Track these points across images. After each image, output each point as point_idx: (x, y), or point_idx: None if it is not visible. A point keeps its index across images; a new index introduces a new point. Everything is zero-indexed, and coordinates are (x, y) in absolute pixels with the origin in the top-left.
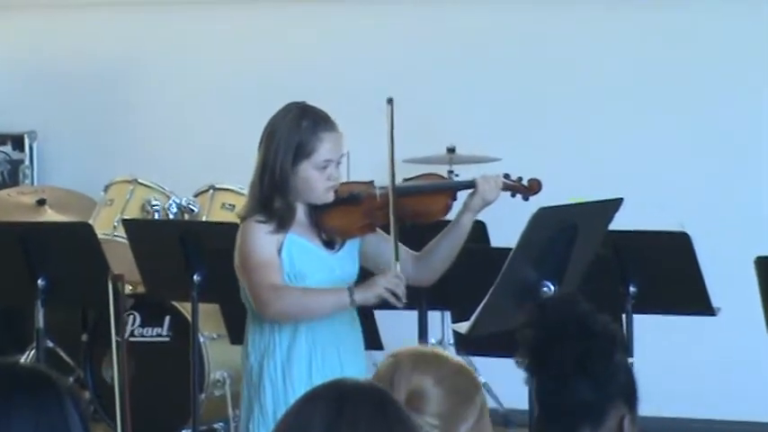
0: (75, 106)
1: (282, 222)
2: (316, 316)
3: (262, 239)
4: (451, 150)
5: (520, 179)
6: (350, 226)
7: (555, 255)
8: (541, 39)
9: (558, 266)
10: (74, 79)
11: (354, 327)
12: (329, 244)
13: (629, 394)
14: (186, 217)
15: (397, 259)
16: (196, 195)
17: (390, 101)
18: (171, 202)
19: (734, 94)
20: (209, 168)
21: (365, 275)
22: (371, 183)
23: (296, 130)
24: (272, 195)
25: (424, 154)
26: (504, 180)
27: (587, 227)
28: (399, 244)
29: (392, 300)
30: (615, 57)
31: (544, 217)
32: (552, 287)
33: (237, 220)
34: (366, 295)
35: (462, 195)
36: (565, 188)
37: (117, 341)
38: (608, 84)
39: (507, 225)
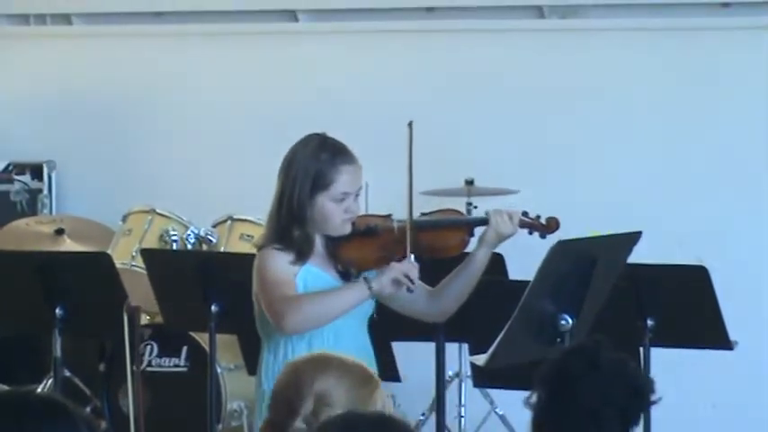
0: (93, 136)
1: (301, 253)
2: (336, 313)
3: (279, 263)
4: (470, 183)
5: (538, 217)
6: (366, 258)
7: (573, 287)
8: (562, 70)
9: (575, 299)
10: (93, 109)
11: (366, 353)
12: (345, 275)
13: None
14: (204, 247)
15: (411, 250)
16: (214, 226)
17: (411, 124)
18: (189, 232)
19: (751, 127)
20: (227, 199)
21: (381, 311)
22: (389, 216)
23: (314, 161)
24: (290, 225)
25: (442, 186)
26: (523, 217)
27: (606, 260)
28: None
29: (405, 281)
30: (635, 89)
31: (563, 250)
32: (570, 320)
33: (255, 251)
34: (382, 281)
35: (480, 231)
36: (583, 221)
37: (132, 372)
38: (628, 117)
39: (525, 258)
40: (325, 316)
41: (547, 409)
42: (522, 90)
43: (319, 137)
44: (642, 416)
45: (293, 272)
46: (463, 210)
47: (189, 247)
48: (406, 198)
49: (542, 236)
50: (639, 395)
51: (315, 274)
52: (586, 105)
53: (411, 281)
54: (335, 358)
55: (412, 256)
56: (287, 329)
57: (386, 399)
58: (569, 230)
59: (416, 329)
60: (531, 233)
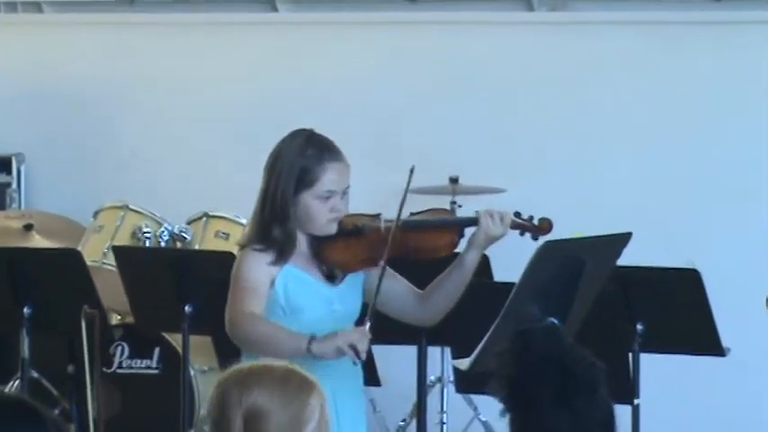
0: (64, 129)
1: (281, 253)
2: (271, 354)
3: (255, 267)
4: (454, 181)
5: (531, 218)
6: (351, 260)
7: (560, 291)
8: (549, 67)
9: (562, 303)
10: (64, 101)
11: (353, 367)
12: (330, 277)
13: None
14: (178, 245)
15: (370, 315)
16: (189, 223)
17: (412, 169)
18: (163, 229)
19: (745, 129)
20: (202, 195)
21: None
22: (378, 216)
23: (300, 157)
24: (273, 224)
25: (426, 184)
26: (514, 218)
27: (594, 262)
28: (404, 279)
29: (351, 354)
30: (626, 84)
31: (549, 251)
32: (557, 324)
33: (232, 249)
34: (324, 347)
35: (470, 232)
36: (570, 221)
37: (92, 381)
38: (619, 112)
39: (511, 259)
40: (261, 349)
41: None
42: (509, 84)
43: (306, 132)
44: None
45: (271, 274)
46: (447, 208)
47: (162, 244)
48: (393, 225)
49: (534, 237)
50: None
51: (297, 277)
52: (576, 101)
53: (357, 354)
54: (262, 368)
55: (367, 326)
56: (232, 338)
57: (324, 403)
58: (556, 231)
59: (398, 332)
60: (522, 234)
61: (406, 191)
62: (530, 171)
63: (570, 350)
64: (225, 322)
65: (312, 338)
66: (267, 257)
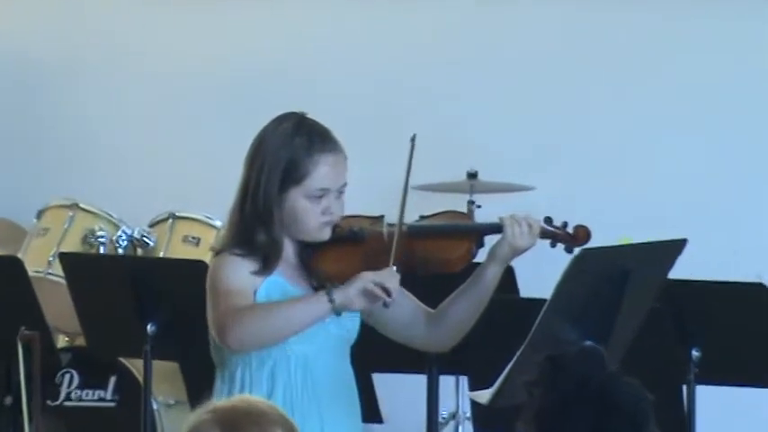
0: (3, 116)
1: (267, 261)
2: (286, 331)
3: (236, 271)
4: (473, 176)
5: (564, 225)
6: (347, 272)
7: (600, 309)
8: (589, 37)
9: (603, 324)
10: (2, 83)
11: (346, 391)
12: (319, 290)
13: None
14: (139, 252)
15: (394, 259)
16: (152, 225)
17: (413, 138)
18: (120, 232)
19: None
20: (168, 192)
21: (369, 335)
22: (381, 218)
23: (287, 147)
24: (255, 227)
25: (439, 180)
26: (544, 225)
27: (641, 274)
28: (411, 296)
29: (379, 293)
30: (679, 68)
31: (587, 261)
32: (596, 347)
33: (203, 257)
34: (348, 292)
35: (491, 240)
36: (614, 225)
37: (30, 415)
38: (669, 99)
39: (540, 271)
40: (270, 332)
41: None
42: (540, 62)
43: (296, 116)
44: None
45: (254, 284)
46: (463, 209)
47: (120, 251)
48: (399, 208)
49: (569, 249)
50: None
51: (281, 287)
52: (619, 85)
53: (387, 292)
54: (252, 414)
55: (394, 268)
56: (229, 344)
57: None
58: (596, 237)
59: (403, 359)
60: (554, 245)
61: (409, 169)
62: (564, 165)
63: (612, 379)
64: (213, 357)
65: (329, 290)
66: (250, 265)
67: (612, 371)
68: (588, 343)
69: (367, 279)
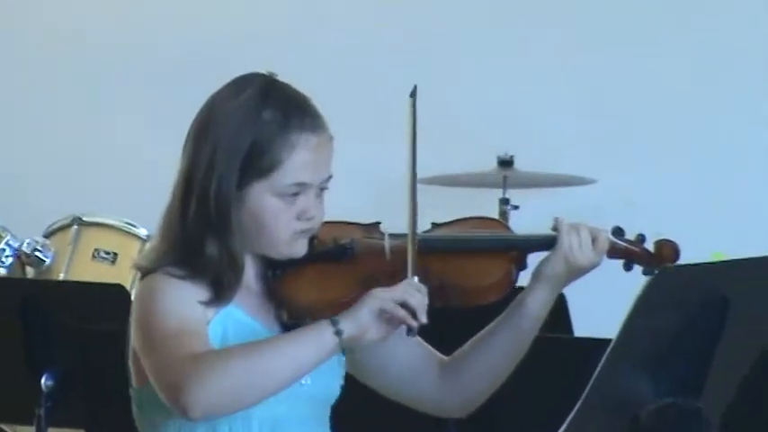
0: None
1: (220, 287)
2: (277, 382)
3: (182, 297)
4: (507, 163)
5: (641, 239)
6: (329, 301)
7: (688, 351)
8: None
9: (692, 371)
10: None
11: None
12: (292, 329)
13: None
14: (30, 271)
15: (413, 269)
16: (49, 235)
17: (414, 93)
18: (3, 245)
19: None
20: (69, 190)
21: (356, 391)
22: (376, 226)
23: (249, 123)
24: (202, 236)
25: (462, 169)
26: (614, 239)
27: (745, 302)
28: (418, 339)
29: (401, 314)
30: None
31: (668, 283)
32: (693, 404)
33: (122, 279)
34: (359, 317)
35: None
36: (701, 236)
37: None
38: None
39: (601, 297)
40: (250, 388)
41: None
42: (589, 22)
43: (261, 80)
44: None
45: (205, 317)
46: (493, 212)
47: (2, 271)
48: (408, 187)
49: (649, 271)
50: None
51: (241, 322)
52: (698, 52)
53: (414, 314)
54: None
55: (415, 279)
56: (188, 411)
57: None
58: (684, 254)
59: (409, 421)
60: (628, 267)
61: (414, 127)
62: (632, 152)
63: None
64: (138, 423)
65: (333, 320)
66: (197, 292)
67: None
68: (672, 400)
69: (383, 297)
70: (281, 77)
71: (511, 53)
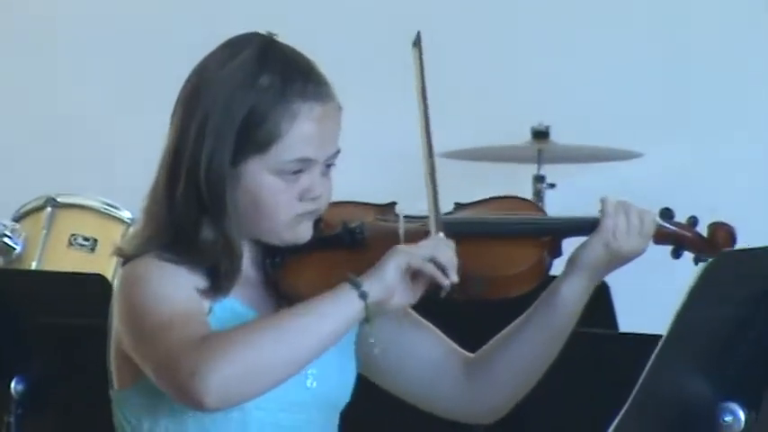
0: None
1: (217, 276)
2: (298, 360)
3: (176, 279)
4: (542, 134)
5: (693, 222)
6: None
7: (748, 347)
8: None
9: (753, 370)
10: None
11: None
12: None
13: None
14: None
15: (437, 224)
16: (19, 218)
17: (418, 40)
18: None
19: None
20: (41, 167)
21: (366, 390)
22: (391, 206)
23: (246, 90)
24: (195, 217)
25: (490, 142)
26: (662, 223)
27: None
28: (434, 329)
29: (431, 270)
30: None
31: (727, 271)
32: (742, 414)
33: (102, 268)
34: (384, 277)
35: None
36: (762, 219)
37: None
38: None
39: (648, 287)
40: (273, 366)
41: None
42: None
43: (259, 40)
44: None
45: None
46: (526, 191)
47: None
48: (422, 148)
49: (701, 259)
50: None
51: (238, 314)
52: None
53: (444, 270)
54: None
55: (441, 234)
56: (207, 398)
57: None
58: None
59: (429, 428)
60: (678, 253)
61: (422, 77)
62: (685, 123)
63: None
64: (120, 405)
65: (354, 282)
66: (190, 277)
67: None
68: (729, 406)
69: (410, 251)
70: (282, 38)
71: (547, 14)
